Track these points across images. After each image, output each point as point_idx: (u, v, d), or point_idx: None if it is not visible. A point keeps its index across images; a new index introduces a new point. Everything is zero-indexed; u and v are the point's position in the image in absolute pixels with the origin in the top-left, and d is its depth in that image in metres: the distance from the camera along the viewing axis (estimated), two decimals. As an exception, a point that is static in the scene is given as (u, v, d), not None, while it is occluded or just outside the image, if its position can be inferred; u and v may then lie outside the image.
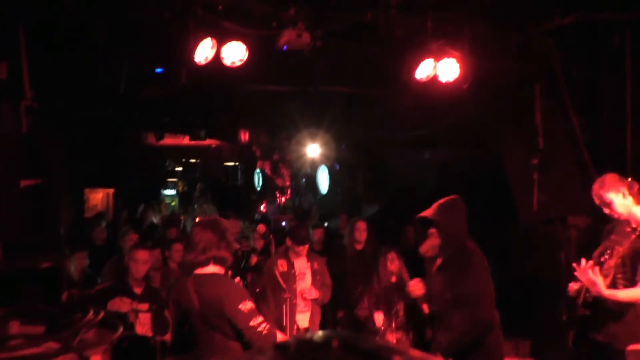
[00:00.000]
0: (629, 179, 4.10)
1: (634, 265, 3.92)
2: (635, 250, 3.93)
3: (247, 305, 3.40)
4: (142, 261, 4.98)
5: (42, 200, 5.16)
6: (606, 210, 4.06)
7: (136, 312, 4.89)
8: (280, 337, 3.50)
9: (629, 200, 3.98)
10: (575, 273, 4.01)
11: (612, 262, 4.04)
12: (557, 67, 5.75)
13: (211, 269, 3.54)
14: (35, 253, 4.86)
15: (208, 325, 3.43)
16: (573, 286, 4.15)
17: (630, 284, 3.92)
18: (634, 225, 3.98)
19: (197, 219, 5.87)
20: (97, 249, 7.41)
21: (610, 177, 4.07)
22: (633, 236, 3.98)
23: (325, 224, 9.67)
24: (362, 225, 6.60)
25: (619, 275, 3.99)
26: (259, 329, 3.37)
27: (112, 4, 5.00)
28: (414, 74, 5.54)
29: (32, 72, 4.93)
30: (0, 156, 4.88)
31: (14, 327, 2.21)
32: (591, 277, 3.90)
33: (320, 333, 1.25)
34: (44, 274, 4.77)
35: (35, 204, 5.06)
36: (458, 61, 5.48)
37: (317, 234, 7.76)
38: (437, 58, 5.46)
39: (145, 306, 4.94)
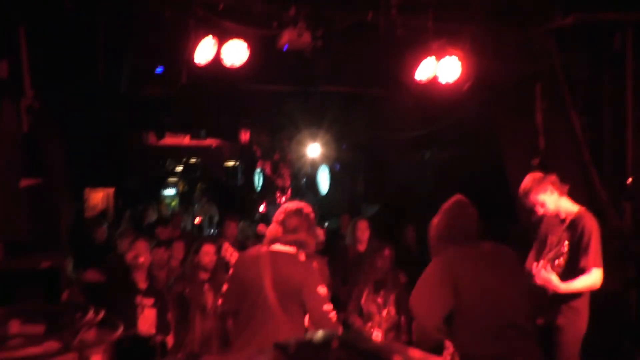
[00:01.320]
0: (547, 174, 4.25)
1: (574, 253, 4.08)
2: (572, 239, 4.11)
3: (324, 290, 3.54)
4: (140, 251, 5.02)
5: (42, 200, 5.16)
6: (540, 211, 4.25)
7: (142, 307, 4.92)
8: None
9: (555, 194, 4.18)
10: (534, 279, 4.08)
11: (549, 254, 4.24)
12: (558, 67, 5.74)
13: (290, 249, 3.63)
14: (35, 253, 4.86)
15: (277, 302, 3.47)
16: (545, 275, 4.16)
17: (570, 271, 4.07)
18: (562, 217, 4.20)
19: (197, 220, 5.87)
20: (97, 248, 7.41)
21: (532, 178, 4.25)
22: (564, 226, 4.19)
23: (326, 224, 9.67)
24: (363, 225, 6.61)
25: (556, 267, 4.16)
26: (330, 314, 3.50)
27: (112, 4, 5.00)
28: (415, 74, 5.53)
29: (32, 72, 4.93)
30: (0, 156, 4.87)
31: (14, 327, 2.20)
32: (545, 276, 4.03)
33: (320, 333, 1.25)
34: (44, 273, 4.77)
35: (35, 204, 5.06)
36: (458, 61, 5.48)
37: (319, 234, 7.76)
38: (438, 58, 5.46)
39: (150, 301, 4.97)
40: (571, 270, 4.10)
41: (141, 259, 5.04)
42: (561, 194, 4.21)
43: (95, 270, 5.65)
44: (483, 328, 3.36)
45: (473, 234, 3.64)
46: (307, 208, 3.78)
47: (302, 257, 3.67)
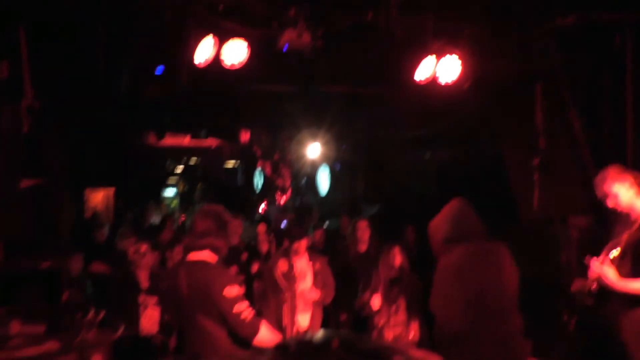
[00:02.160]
0: (633, 171, 4.09)
1: (635, 257, 3.93)
2: (635, 242, 3.94)
3: (233, 291, 3.41)
4: (146, 251, 5.04)
5: (42, 200, 5.16)
6: (610, 203, 4.04)
7: (145, 305, 4.93)
8: (265, 328, 3.50)
9: (632, 191, 3.98)
10: (591, 265, 4.01)
11: (617, 254, 4.04)
12: (558, 67, 5.74)
13: (204, 255, 3.57)
14: (36, 253, 4.86)
15: (197, 311, 3.45)
16: (578, 281, 4.14)
17: (631, 275, 3.92)
18: (634, 217, 3.98)
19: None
20: (98, 248, 7.41)
21: (615, 169, 4.07)
22: (634, 227, 3.98)
23: (326, 224, 9.68)
24: (363, 225, 6.61)
25: (619, 265, 3.99)
26: (242, 315, 3.38)
27: (112, 4, 5.00)
28: (415, 74, 5.54)
29: (32, 72, 4.93)
30: (0, 156, 4.88)
31: (15, 327, 2.21)
32: (602, 269, 3.92)
33: (320, 333, 1.25)
34: (44, 274, 4.77)
35: (35, 203, 5.07)
36: (458, 61, 5.48)
37: (317, 235, 7.77)
38: (438, 58, 5.46)
39: (153, 300, 4.98)
40: (635, 274, 3.92)
41: (144, 259, 5.05)
42: (639, 194, 3.99)
43: (101, 262, 5.66)
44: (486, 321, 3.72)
45: (478, 233, 3.89)
46: (216, 209, 3.70)
47: (212, 261, 3.59)
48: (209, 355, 3.36)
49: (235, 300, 3.40)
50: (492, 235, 3.90)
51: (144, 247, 5.13)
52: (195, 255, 3.59)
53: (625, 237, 4.01)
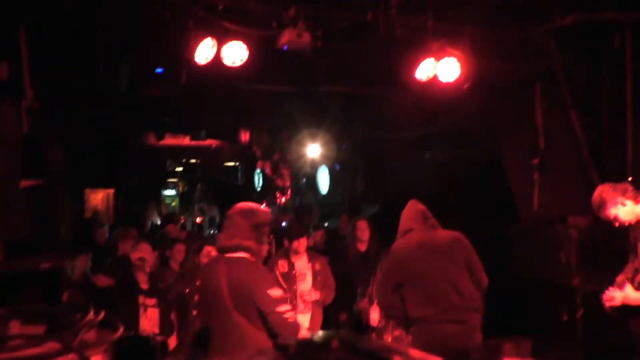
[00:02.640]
0: (626, 182, 4.10)
1: None
2: None
3: (276, 292, 3.45)
4: (144, 251, 5.02)
5: (42, 200, 5.16)
6: (616, 224, 4.04)
7: (145, 306, 4.92)
8: (304, 331, 3.51)
9: (629, 204, 3.96)
10: (609, 303, 3.98)
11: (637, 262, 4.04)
12: (558, 67, 5.74)
13: (241, 254, 3.56)
14: (36, 253, 4.86)
15: (234, 308, 3.44)
16: (610, 295, 4.04)
17: None
18: None
19: (198, 220, 5.88)
20: (98, 249, 7.41)
21: (604, 192, 4.03)
22: None
23: (326, 224, 9.67)
24: (363, 225, 6.61)
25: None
26: (285, 315, 3.41)
27: (112, 4, 5.00)
28: (414, 74, 5.53)
29: (32, 72, 4.93)
30: (0, 156, 4.88)
31: (15, 327, 2.21)
32: (619, 298, 3.90)
33: (320, 333, 1.25)
34: (44, 274, 4.77)
35: (35, 204, 5.07)
36: (458, 61, 5.48)
37: (318, 235, 7.77)
38: (438, 58, 5.46)
39: (152, 301, 4.97)
40: None
41: (146, 262, 5.03)
42: (636, 201, 3.96)
43: (103, 275, 5.65)
44: (426, 302, 4.23)
45: (415, 226, 4.53)
46: (250, 211, 3.61)
47: (253, 259, 3.58)
48: (238, 352, 3.33)
49: (279, 301, 3.44)
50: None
51: (145, 247, 5.10)
52: (233, 254, 3.56)
53: None
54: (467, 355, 4.19)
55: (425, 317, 4.24)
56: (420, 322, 4.28)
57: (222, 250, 3.63)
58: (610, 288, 4.01)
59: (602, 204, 4.00)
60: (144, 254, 5.09)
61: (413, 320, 4.32)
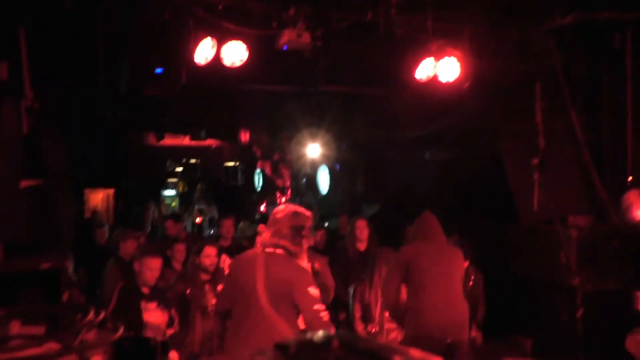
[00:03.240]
0: None
1: None
2: None
3: (315, 291, 3.56)
4: (151, 268, 4.96)
5: (42, 200, 5.15)
6: None
7: (147, 311, 4.90)
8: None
9: None
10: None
11: None
12: (558, 67, 5.74)
13: (280, 251, 3.66)
14: (36, 253, 4.86)
15: (268, 302, 3.51)
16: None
17: None
18: None
19: (197, 220, 5.86)
20: (98, 249, 7.41)
21: (633, 196, 4.23)
22: None
23: (326, 224, 9.67)
24: (362, 224, 6.61)
25: None
26: (321, 314, 3.51)
27: (112, 4, 5.00)
28: (414, 73, 5.53)
29: (32, 72, 4.93)
30: (0, 156, 4.87)
31: (15, 328, 2.20)
32: None
33: (320, 334, 1.25)
34: (44, 274, 4.76)
35: (35, 204, 5.06)
36: (458, 61, 5.48)
37: (318, 235, 7.77)
38: (437, 58, 5.46)
39: (153, 305, 4.94)
40: None
41: (151, 277, 4.96)
42: None
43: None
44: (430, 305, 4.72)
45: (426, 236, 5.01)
46: (296, 214, 3.72)
47: (293, 258, 3.69)
48: (265, 339, 3.36)
49: (317, 300, 3.54)
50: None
51: (152, 262, 5.00)
52: (273, 250, 3.67)
53: None
54: (457, 348, 4.39)
55: (420, 308, 4.73)
56: (415, 312, 4.76)
57: (263, 245, 3.73)
58: None
59: (631, 205, 4.04)
60: (149, 268, 4.99)
61: (409, 311, 4.76)
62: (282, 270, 3.57)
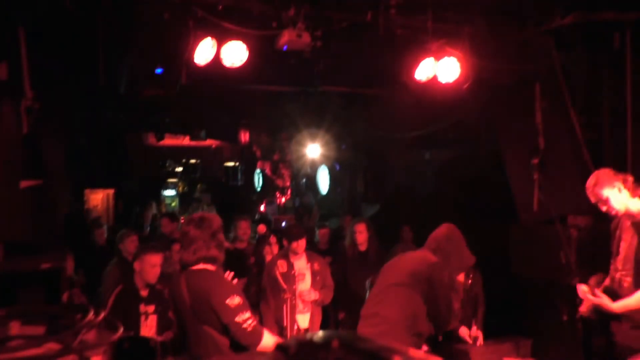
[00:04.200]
0: (624, 173, 4.06)
1: (637, 261, 3.90)
2: (636, 245, 3.91)
3: (235, 300, 3.41)
4: (152, 265, 4.94)
5: (42, 200, 5.15)
6: (603, 208, 4.01)
7: (146, 314, 4.88)
8: (267, 335, 3.50)
9: (625, 194, 3.93)
10: (585, 300, 4.02)
11: (619, 259, 4.04)
12: (558, 67, 5.74)
13: (202, 267, 3.57)
14: (35, 253, 4.86)
15: (199, 320, 3.46)
16: (583, 288, 4.12)
17: (634, 280, 3.91)
18: (637, 219, 3.94)
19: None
20: (98, 249, 7.41)
21: (603, 173, 4.01)
22: (632, 230, 3.96)
23: (326, 224, 9.67)
24: (361, 227, 6.60)
25: (623, 272, 3.99)
26: (244, 325, 3.38)
27: (112, 4, 4.99)
28: (414, 74, 5.53)
29: (32, 72, 4.93)
30: (0, 156, 4.87)
31: (14, 328, 2.20)
32: (595, 300, 3.92)
33: (320, 334, 1.25)
34: (44, 274, 4.76)
35: (35, 204, 5.06)
36: (458, 61, 5.48)
37: (322, 234, 7.77)
38: (437, 58, 5.46)
39: (152, 308, 4.92)
40: (630, 277, 3.90)
41: (151, 274, 4.94)
42: (633, 194, 3.94)
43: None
44: None
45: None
46: (205, 220, 3.63)
47: (212, 270, 3.58)
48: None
49: (237, 310, 3.40)
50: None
51: (151, 258, 4.98)
52: (194, 267, 3.57)
53: (627, 241, 3.99)
54: None
55: None
56: None
57: (183, 265, 3.62)
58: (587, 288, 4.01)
59: (598, 183, 3.95)
60: (148, 264, 4.98)
61: None
62: (200, 286, 3.46)
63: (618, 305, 3.88)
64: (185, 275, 3.57)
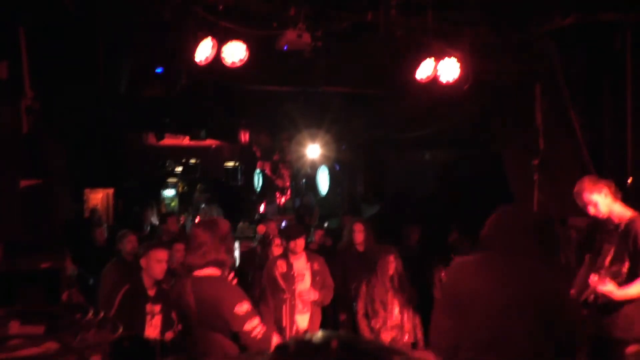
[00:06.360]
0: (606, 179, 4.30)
1: (634, 259, 4.03)
2: (627, 245, 4.07)
3: (243, 308, 3.38)
4: (159, 260, 4.89)
5: (42, 200, 5.15)
6: (591, 211, 4.23)
7: (152, 314, 4.85)
8: (276, 341, 3.49)
9: (609, 198, 4.19)
10: (593, 287, 4.09)
11: (606, 260, 4.18)
12: (558, 67, 5.74)
13: (209, 271, 3.52)
14: (35, 253, 4.85)
15: (206, 326, 3.43)
16: (594, 278, 4.20)
17: (632, 279, 4.01)
18: (616, 222, 4.19)
19: (197, 220, 5.85)
20: (98, 249, 7.41)
21: (591, 179, 4.29)
22: (619, 231, 4.15)
23: (326, 224, 9.68)
24: (359, 227, 6.60)
25: (614, 270, 4.12)
26: (253, 333, 3.35)
27: (112, 4, 4.99)
28: (415, 74, 5.53)
29: (32, 72, 4.93)
30: (0, 156, 4.87)
31: (14, 327, 2.20)
32: (604, 288, 4.01)
33: (319, 334, 1.25)
34: (44, 274, 4.76)
35: (35, 204, 5.06)
36: (458, 61, 5.48)
37: (318, 235, 7.77)
38: (438, 58, 5.46)
39: (158, 307, 4.89)
40: (633, 278, 4.05)
41: (158, 270, 4.91)
42: (615, 199, 4.20)
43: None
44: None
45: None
46: (213, 221, 3.61)
47: (219, 275, 3.53)
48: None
49: (246, 317, 3.36)
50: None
51: (159, 254, 4.94)
52: (200, 272, 3.52)
53: (615, 243, 4.16)
54: None
55: None
56: None
57: (189, 269, 3.55)
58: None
59: (586, 188, 4.21)
60: (156, 260, 4.95)
61: None
62: (208, 294, 3.40)
63: (620, 293, 4.01)
64: (191, 282, 3.51)
